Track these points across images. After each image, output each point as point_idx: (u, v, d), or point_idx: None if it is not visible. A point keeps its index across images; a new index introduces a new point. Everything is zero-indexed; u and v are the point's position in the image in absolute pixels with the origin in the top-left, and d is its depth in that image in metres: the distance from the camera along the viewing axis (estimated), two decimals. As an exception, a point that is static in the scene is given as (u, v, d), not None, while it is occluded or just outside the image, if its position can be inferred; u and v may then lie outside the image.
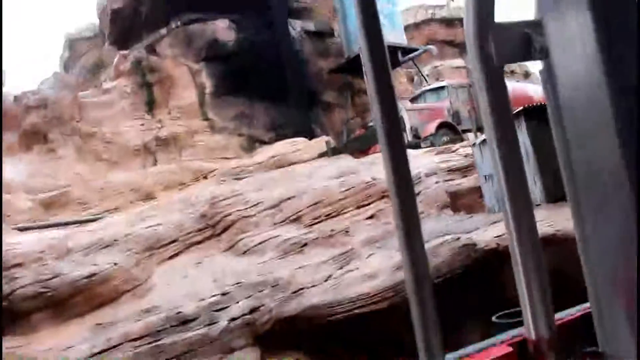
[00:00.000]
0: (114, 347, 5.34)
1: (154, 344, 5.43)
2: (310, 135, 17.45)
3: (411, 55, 17.91)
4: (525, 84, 15.59)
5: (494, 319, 3.35)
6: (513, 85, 14.32)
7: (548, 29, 1.03)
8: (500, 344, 1.42)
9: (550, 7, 1.02)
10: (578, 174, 1.10)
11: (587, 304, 1.35)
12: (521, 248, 1.11)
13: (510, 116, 1.03)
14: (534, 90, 13.46)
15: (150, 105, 17.27)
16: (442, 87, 14.82)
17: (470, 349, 1.48)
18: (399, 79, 20.52)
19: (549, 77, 1.08)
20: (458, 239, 6.40)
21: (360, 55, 0.94)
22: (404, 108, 15.12)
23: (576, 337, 1.36)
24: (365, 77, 0.90)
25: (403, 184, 0.90)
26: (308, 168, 10.39)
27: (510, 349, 1.36)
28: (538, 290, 1.13)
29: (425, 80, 17.76)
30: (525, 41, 1.01)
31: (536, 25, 1.03)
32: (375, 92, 0.89)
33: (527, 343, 1.20)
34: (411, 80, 21.06)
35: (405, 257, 0.90)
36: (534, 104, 7.41)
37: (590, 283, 1.27)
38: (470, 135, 13.18)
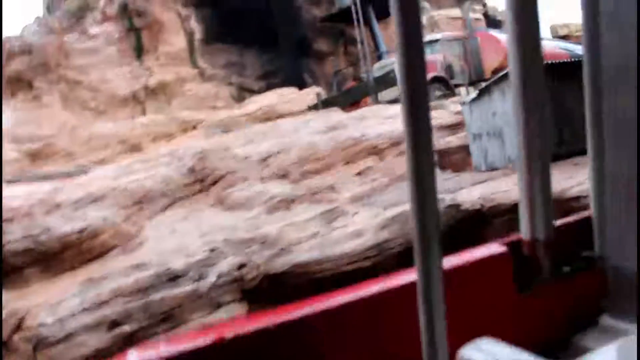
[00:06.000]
0: (104, 302, 5.46)
1: (144, 300, 5.56)
2: (301, 85, 17.24)
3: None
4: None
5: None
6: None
7: None
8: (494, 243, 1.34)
9: None
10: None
11: (585, 213, 1.40)
12: (528, 144, 1.08)
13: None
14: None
15: (139, 52, 16.87)
16: (436, 40, 14.54)
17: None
18: (393, 29, 20.08)
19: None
20: (442, 199, 6.49)
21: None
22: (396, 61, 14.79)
23: (572, 242, 1.34)
24: (394, 16, 0.85)
25: (422, 133, 0.85)
26: (296, 122, 10.36)
27: (504, 248, 1.29)
28: (540, 190, 1.09)
29: (419, 31, 17.34)
30: None
31: None
32: (402, 36, 0.83)
33: (522, 243, 1.16)
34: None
35: (415, 209, 0.86)
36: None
37: (596, 192, 1.34)
38: (463, 90, 13.09)
